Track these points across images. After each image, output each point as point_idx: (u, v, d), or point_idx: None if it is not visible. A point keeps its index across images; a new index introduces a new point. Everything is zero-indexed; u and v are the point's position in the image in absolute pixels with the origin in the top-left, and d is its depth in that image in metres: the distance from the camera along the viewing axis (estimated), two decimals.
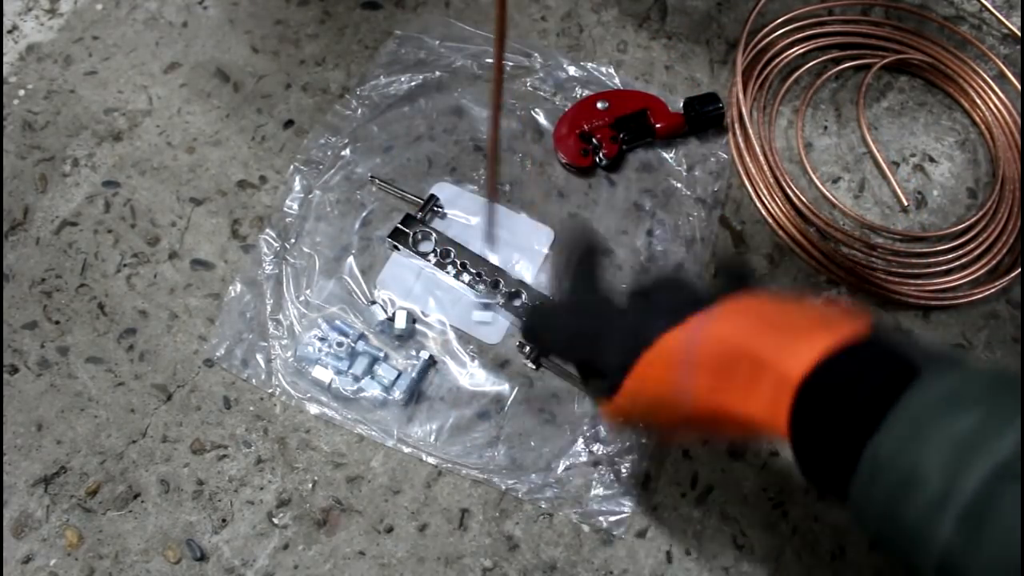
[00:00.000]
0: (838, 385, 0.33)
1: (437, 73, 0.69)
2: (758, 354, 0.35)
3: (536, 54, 0.71)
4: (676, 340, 0.38)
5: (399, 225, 0.62)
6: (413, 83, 0.69)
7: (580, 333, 0.45)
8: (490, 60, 0.70)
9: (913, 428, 0.30)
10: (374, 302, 0.60)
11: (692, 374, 0.37)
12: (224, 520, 0.54)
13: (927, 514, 0.29)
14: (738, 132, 0.67)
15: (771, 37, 0.72)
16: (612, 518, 0.55)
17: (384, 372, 0.57)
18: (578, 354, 0.48)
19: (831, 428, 0.33)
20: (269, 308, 0.60)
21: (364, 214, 0.64)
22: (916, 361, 0.32)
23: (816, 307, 0.38)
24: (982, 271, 0.65)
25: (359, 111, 0.67)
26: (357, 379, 0.57)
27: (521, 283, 0.60)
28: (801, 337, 0.35)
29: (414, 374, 0.57)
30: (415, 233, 0.61)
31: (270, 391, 0.58)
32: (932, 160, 0.70)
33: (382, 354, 0.59)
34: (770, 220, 0.66)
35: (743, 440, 0.56)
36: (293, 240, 0.62)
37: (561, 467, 0.56)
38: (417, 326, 0.60)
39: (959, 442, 0.28)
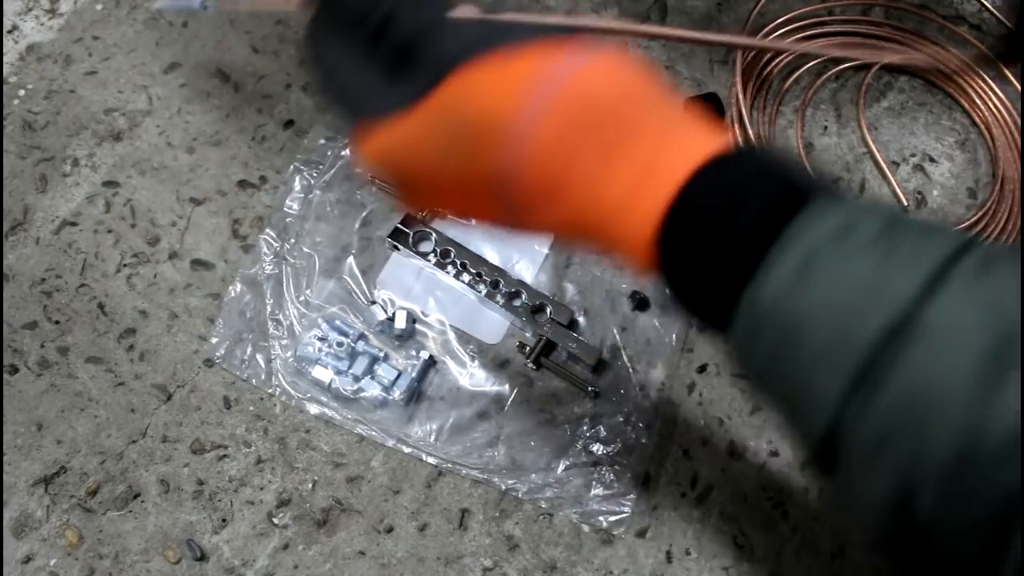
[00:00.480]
0: (717, 206, 0.26)
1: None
2: (639, 120, 0.28)
3: None
4: (550, 57, 0.28)
5: (399, 225, 0.62)
6: None
7: None
8: None
9: (801, 270, 0.24)
10: (374, 302, 0.60)
11: (548, 102, 0.27)
12: (224, 520, 0.54)
13: (815, 374, 0.24)
14: (738, 132, 0.67)
15: (771, 37, 0.72)
16: (612, 518, 0.55)
17: (384, 372, 0.57)
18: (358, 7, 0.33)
19: (707, 261, 0.26)
20: (269, 308, 0.60)
21: (364, 214, 0.64)
22: (803, 186, 0.26)
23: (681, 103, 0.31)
24: None
25: None
26: (357, 379, 0.57)
27: (521, 283, 0.60)
28: (682, 130, 0.28)
29: (414, 374, 0.57)
30: (415, 233, 0.61)
31: (270, 391, 0.58)
32: (932, 160, 0.70)
33: (382, 354, 0.59)
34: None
35: (561, 237, 0.38)
36: (293, 240, 0.62)
37: (561, 467, 0.56)
38: (417, 326, 0.60)
39: (852, 289, 0.23)
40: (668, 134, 0.28)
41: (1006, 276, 0.22)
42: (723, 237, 0.26)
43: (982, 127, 0.71)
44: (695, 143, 0.27)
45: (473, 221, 0.35)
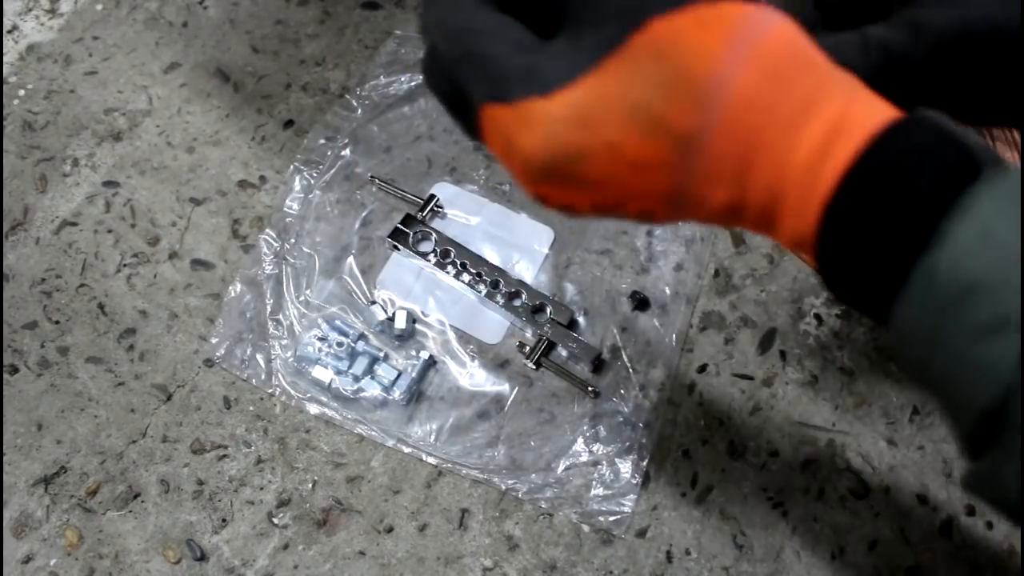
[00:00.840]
0: (896, 169, 0.25)
1: None
2: (826, 80, 0.26)
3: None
4: (746, 12, 0.26)
5: (399, 225, 0.62)
6: (413, 83, 0.69)
7: None
8: None
9: (980, 238, 0.23)
10: (374, 302, 0.60)
11: (745, 58, 0.26)
12: (224, 520, 0.54)
13: (989, 346, 0.23)
14: None
15: None
16: (612, 518, 0.55)
17: (384, 372, 0.57)
18: None
19: (880, 227, 0.25)
20: (269, 308, 0.60)
21: (364, 214, 0.64)
22: (976, 152, 0.25)
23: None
24: None
25: (359, 111, 0.67)
26: (357, 379, 0.57)
27: (521, 283, 0.60)
28: (863, 91, 0.26)
29: (414, 374, 0.57)
30: (415, 233, 0.61)
31: (270, 391, 0.58)
32: None
33: (382, 354, 0.59)
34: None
35: (721, 219, 0.32)
36: (293, 240, 0.62)
37: (561, 467, 0.56)
38: (417, 326, 0.60)
39: None
40: (854, 92, 0.27)
41: None
42: (900, 202, 0.25)
43: (982, 127, 0.71)
44: (876, 105, 0.26)
45: (625, 215, 0.31)
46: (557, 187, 0.29)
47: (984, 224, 0.23)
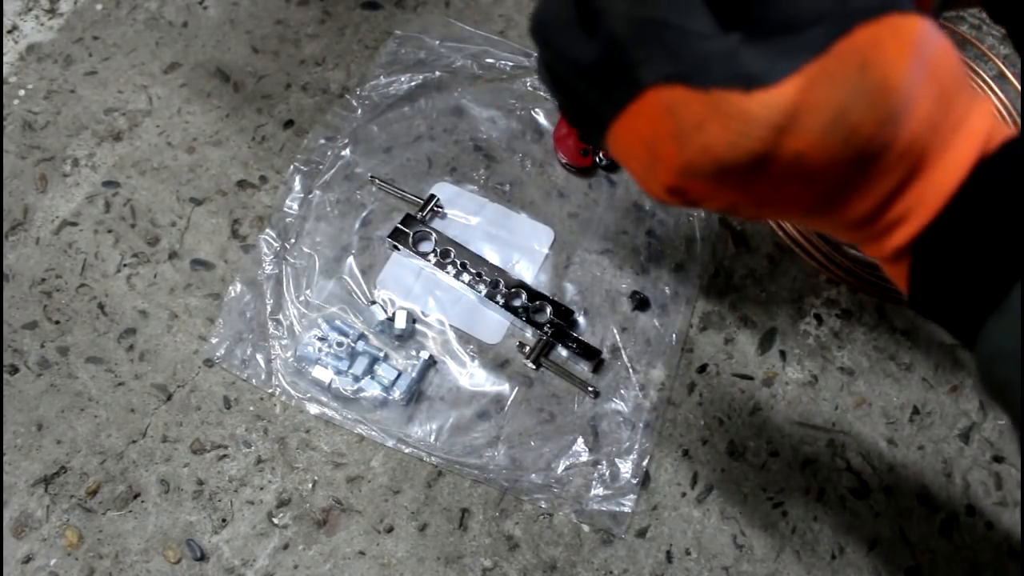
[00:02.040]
0: (998, 194, 0.25)
1: (437, 73, 0.69)
2: (973, 98, 0.27)
3: (536, 54, 0.71)
4: (923, 27, 0.25)
5: (399, 225, 0.62)
6: (413, 83, 0.69)
7: None
8: (490, 60, 0.70)
9: None
10: (374, 302, 0.60)
11: (924, 78, 0.25)
12: (224, 520, 0.54)
13: None
14: None
15: None
16: (612, 518, 0.55)
17: (384, 372, 0.57)
18: None
19: (983, 245, 0.25)
20: (269, 308, 0.60)
21: (364, 214, 0.64)
22: None
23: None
24: None
25: (359, 111, 0.67)
26: (357, 379, 0.57)
27: (521, 283, 0.60)
28: (980, 101, 0.27)
29: (414, 374, 0.57)
30: (415, 233, 0.61)
31: (270, 391, 0.58)
32: None
33: (382, 354, 0.59)
34: (770, 220, 0.66)
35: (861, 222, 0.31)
36: (293, 240, 0.62)
37: (561, 467, 0.56)
38: (417, 326, 0.60)
39: None
40: (988, 106, 0.27)
41: None
42: (1006, 222, 0.25)
43: None
44: (986, 124, 0.27)
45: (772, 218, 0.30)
46: (710, 184, 0.27)
47: None
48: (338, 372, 0.57)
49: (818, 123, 0.25)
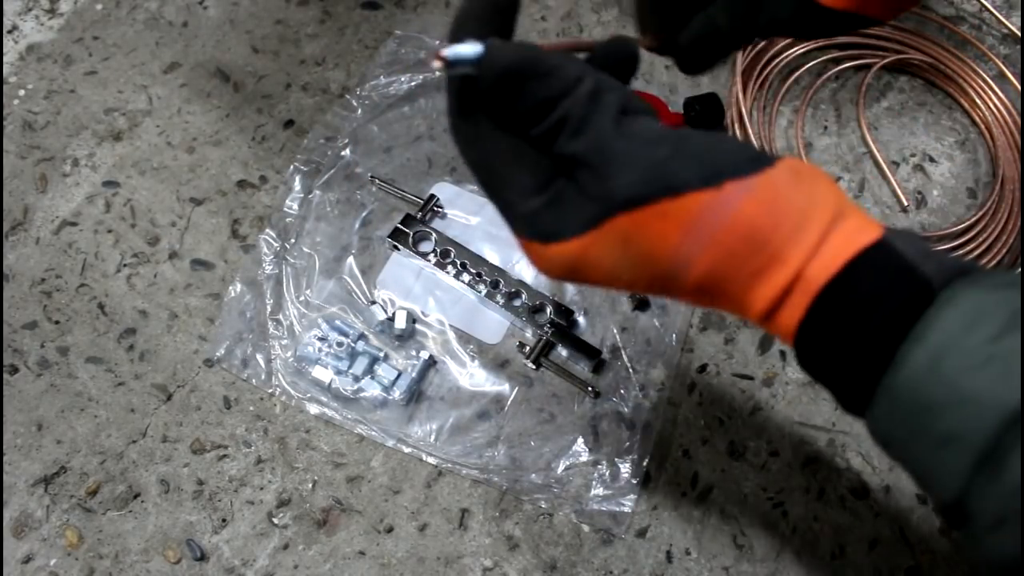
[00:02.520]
0: (854, 304, 0.29)
1: (437, 73, 0.69)
2: (780, 248, 0.31)
3: None
4: (703, 204, 0.31)
5: (399, 225, 0.62)
6: (413, 83, 0.69)
7: (581, 107, 0.31)
8: None
9: (931, 362, 0.27)
10: (374, 302, 0.60)
11: (703, 247, 0.31)
12: (224, 520, 0.54)
13: (942, 455, 0.27)
14: (738, 132, 0.67)
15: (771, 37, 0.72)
16: (612, 518, 0.55)
17: (384, 372, 0.57)
18: (556, 131, 0.32)
19: (846, 353, 0.30)
20: (269, 308, 0.60)
21: (364, 214, 0.64)
22: (932, 278, 0.29)
23: (831, 185, 0.32)
24: None
25: (359, 111, 0.67)
26: (357, 379, 0.57)
27: (521, 283, 0.60)
28: (824, 235, 0.31)
29: (414, 374, 0.57)
30: (415, 233, 0.61)
31: (270, 391, 0.58)
32: (932, 160, 0.70)
33: (382, 354, 0.59)
34: None
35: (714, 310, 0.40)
36: (293, 240, 0.62)
37: (561, 467, 0.56)
38: (417, 326, 0.60)
39: (976, 381, 0.26)
40: (816, 249, 0.31)
41: None
42: (860, 333, 0.29)
43: (982, 127, 0.71)
44: (837, 247, 0.30)
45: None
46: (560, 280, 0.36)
47: (933, 352, 0.27)
48: (338, 372, 0.57)
49: (598, 272, 0.33)
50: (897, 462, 0.31)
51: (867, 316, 0.29)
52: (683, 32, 0.43)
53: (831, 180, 0.32)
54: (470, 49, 0.31)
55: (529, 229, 0.33)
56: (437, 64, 0.31)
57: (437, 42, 0.71)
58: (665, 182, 0.31)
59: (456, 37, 0.32)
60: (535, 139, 0.33)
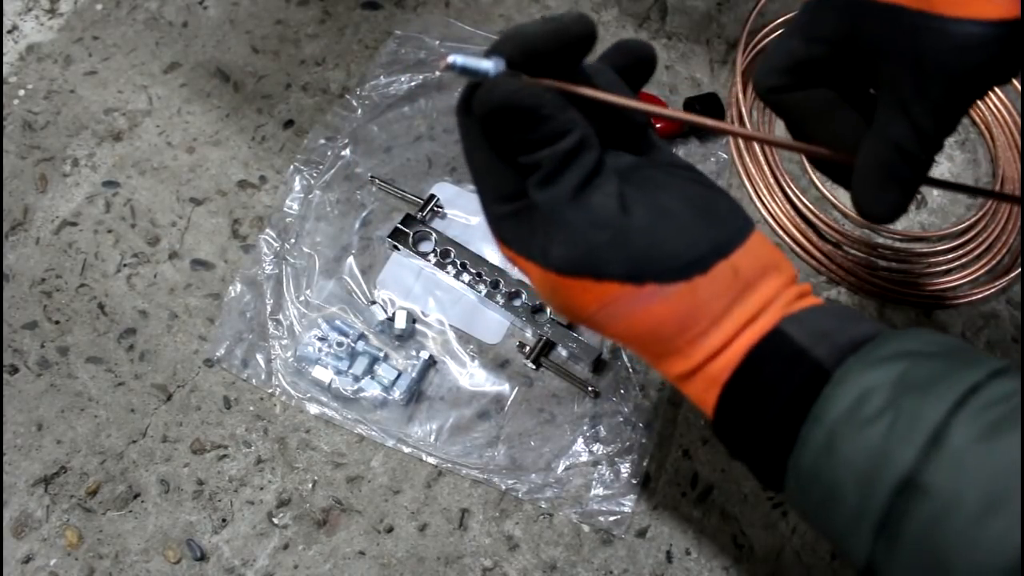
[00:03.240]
0: (755, 391, 0.32)
1: (437, 73, 0.69)
2: (682, 347, 0.34)
3: None
4: (620, 294, 0.34)
5: (399, 225, 0.62)
6: (413, 83, 0.69)
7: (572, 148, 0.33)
8: None
9: (827, 442, 0.30)
10: (374, 302, 0.60)
11: (615, 325, 0.35)
12: (224, 520, 0.54)
13: (849, 527, 0.29)
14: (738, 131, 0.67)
15: (771, 37, 0.72)
16: (612, 518, 0.55)
17: (384, 372, 0.57)
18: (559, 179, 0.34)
19: (756, 435, 0.33)
20: (269, 308, 0.60)
21: (364, 214, 0.64)
22: (824, 360, 0.31)
23: (768, 279, 0.34)
24: (982, 271, 0.65)
25: (359, 111, 0.67)
26: (357, 379, 0.57)
27: (521, 283, 0.60)
28: (730, 338, 0.33)
29: (414, 374, 0.57)
30: (415, 233, 0.61)
31: (270, 391, 0.58)
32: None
33: (382, 354, 0.59)
34: (770, 220, 0.66)
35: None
36: (293, 240, 0.62)
37: (561, 467, 0.56)
38: (417, 326, 0.60)
39: (868, 456, 0.28)
40: (718, 351, 0.33)
41: (1002, 434, 0.26)
42: (764, 418, 0.32)
43: (982, 127, 0.71)
44: (739, 344, 0.33)
45: None
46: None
47: (828, 432, 0.30)
48: (338, 372, 0.57)
49: (553, 300, 0.36)
50: (815, 531, 0.33)
51: (768, 401, 0.32)
52: (863, 147, 0.35)
53: (776, 264, 0.34)
54: (476, 64, 0.32)
55: (494, 226, 0.37)
56: (443, 66, 0.32)
57: (437, 42, 0.71)
58: (592, 267, 0.33)
59: (496, 46, 0.33)
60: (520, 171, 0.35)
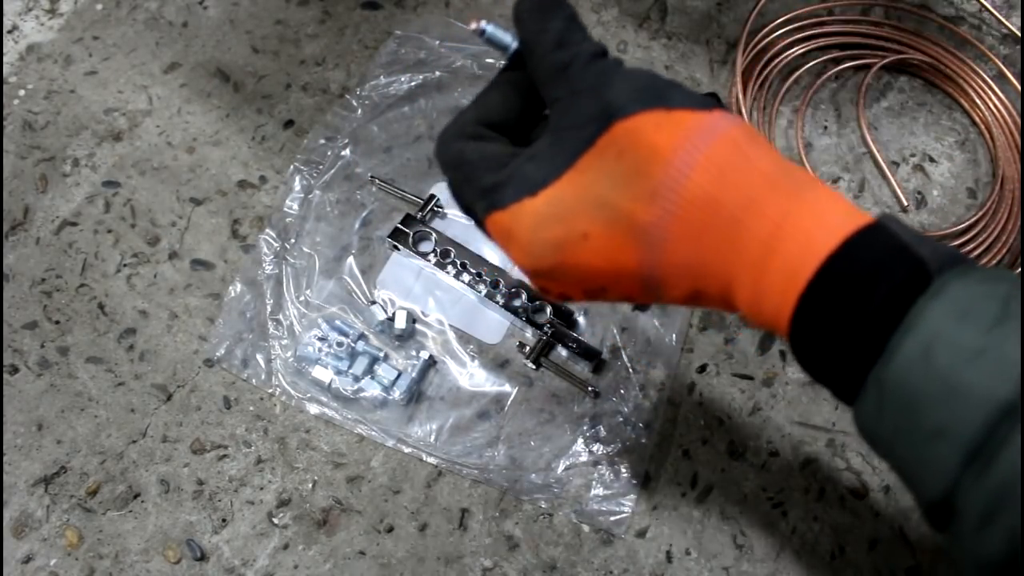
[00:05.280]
0: (849, 288, 0.28)
1: (437, 73, 0.69)
2: (776, 185, 0.30)
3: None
4: (696, 121, 0.30)
5: (399, 225, 0.62)
6: (413, 83, 0.69)
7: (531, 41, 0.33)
8: (490, 60, 0.70)
9: (923, 353, 0.26)
10: (374, 302, 0.60)
11: (696, 161, 0.30)
12: (224, 520, 0.54)
13: (934, 449, 0.26)
14: None
15: (771, 37, 0.72)
16: (612, 518, 0.55)
17: (384, 372, 0.57)
18: (498, 100, 0.35)
19: (837, 339, 0.29)
20: (269, 308, 0.60)
21: (364, 214, 0.64)
22: (930, 264, 0.28)
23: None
24: None
25: (359, 111, 0.67)
26: (357, 379, 0.57)
27: (521, 283, 0.60)
28: (817, 212, 0.29)
29: (414, 374, 0.57)
30: (415, 233, 0.61)
31: (270, 391, 0.58)
32: (932, 160, 0.70)
33: (382, 354, 0.59)
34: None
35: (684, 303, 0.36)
36: (293, 240, 0.62)
37: (561, 467, 0.56)
38: (417, 326, 0.60)
39: (969, 373, 0.26)
40: (800, 195, 0.30)
41: None
42: (853, 318, 0.28)
43: (982, 127, 0.71)
44: (828, 228, 0.29)
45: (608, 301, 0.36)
46: (552, 280, 0.34)
47: (925, 343, 0.27)
48: (338, 372, 0.57)
49: (588, 207, 0.31)
50: (883, 458, 0.30)
51: (868, 292, 0.28)
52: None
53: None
54: (502, 36, 0.36)
55: (514, 189, 0.33)
56: (473, 27, 0.35)
57: (437, 42, 0.71)
58: (661, 98, 0.31)
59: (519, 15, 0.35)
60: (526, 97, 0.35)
